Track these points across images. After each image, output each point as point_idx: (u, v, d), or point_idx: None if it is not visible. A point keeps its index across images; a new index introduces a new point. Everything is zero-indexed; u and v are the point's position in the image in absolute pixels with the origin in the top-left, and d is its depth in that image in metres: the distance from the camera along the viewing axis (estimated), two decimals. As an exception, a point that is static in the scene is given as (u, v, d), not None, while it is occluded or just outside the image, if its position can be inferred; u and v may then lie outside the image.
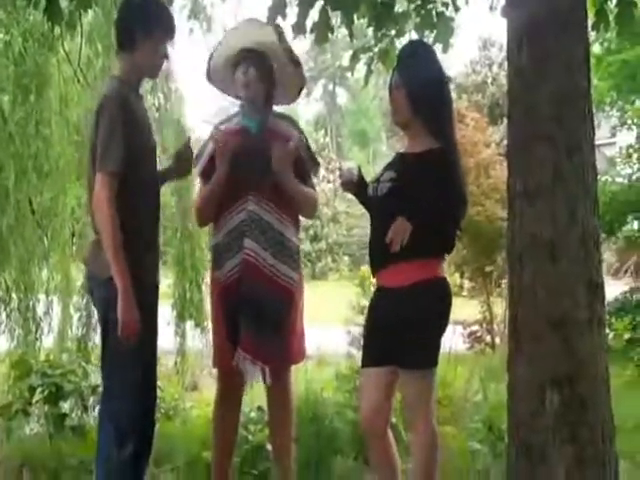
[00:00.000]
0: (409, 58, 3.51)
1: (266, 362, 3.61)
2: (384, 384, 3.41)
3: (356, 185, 3.64)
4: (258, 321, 3.58)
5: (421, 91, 3.38)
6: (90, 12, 4.53)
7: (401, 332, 3.28)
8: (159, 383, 6.52)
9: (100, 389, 4.69)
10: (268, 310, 3.59)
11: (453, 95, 3.68)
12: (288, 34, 3.90)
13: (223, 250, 3.70)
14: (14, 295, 7.27)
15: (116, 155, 3.21)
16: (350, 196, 3.85)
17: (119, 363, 3.32)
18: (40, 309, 7.43)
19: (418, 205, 3.28)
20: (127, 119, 3.27)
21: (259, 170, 3.65)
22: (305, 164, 3.81)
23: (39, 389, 5.10)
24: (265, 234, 3.63)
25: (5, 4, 6.59)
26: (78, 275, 7.69)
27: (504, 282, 10.22)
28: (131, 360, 3.28)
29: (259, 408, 4.70)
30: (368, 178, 3.68)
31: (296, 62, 3.80)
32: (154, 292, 3.49)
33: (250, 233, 3.62)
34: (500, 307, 10.87)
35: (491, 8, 4.58)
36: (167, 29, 3.47)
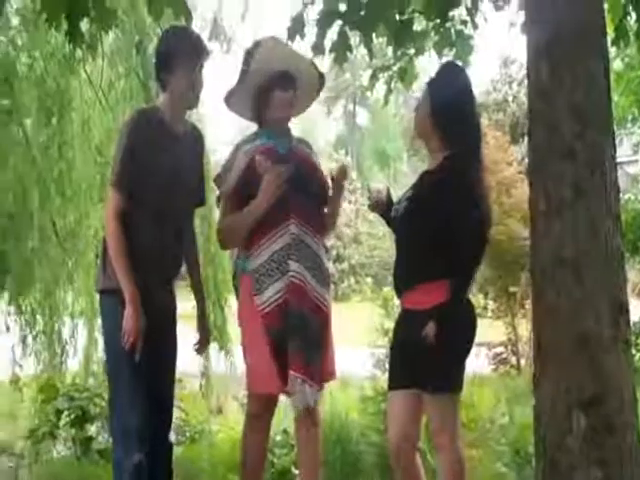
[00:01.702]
0: (438, 76, 3.55)
1: (318, 383, 3.60)
2: (411, 407, 3.39)
3: (385, 206, 3.65)
4: (307, 343, 3.56)
5: (441, 105, 3.39)
6: (111, 34, 4.56)
7: (424, 355, 3.26)
8: (183, 405, 6.55)
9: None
10: (313, 332, 3.59)
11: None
12: (307, 54, 3.93)
13: (264, 274, 3.62)
14: (39, 318, 7.31)
15: (120, 171, 3.32)
16: (372, 217, 3.88)
17: (116, 378, 3.39)
18: (66, 332, 7.46)
19: (436, 224, 3.27)
20: (139, 141, 3.34)
21: (300, 193, 3.64)
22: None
23: (65, 412, 5.12)
24: (307, 257, 3.63)
25: (27, 27, 6.69)
26: (102, 298, 7.71)
27: (528, 302, 10.13)
28: (129, 376, 3.31)
29: (285, 431, 4.68)
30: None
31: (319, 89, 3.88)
32: (165, 312, 3.53)
33: (295, 256, 3.60)
34: (525, 328, 10.77)
35: (511, 25, 4.57)
36: (196, 59, 3.50)
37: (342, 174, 3.81)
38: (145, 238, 3.35)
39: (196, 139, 3.70)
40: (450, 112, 3.38)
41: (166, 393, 3.55)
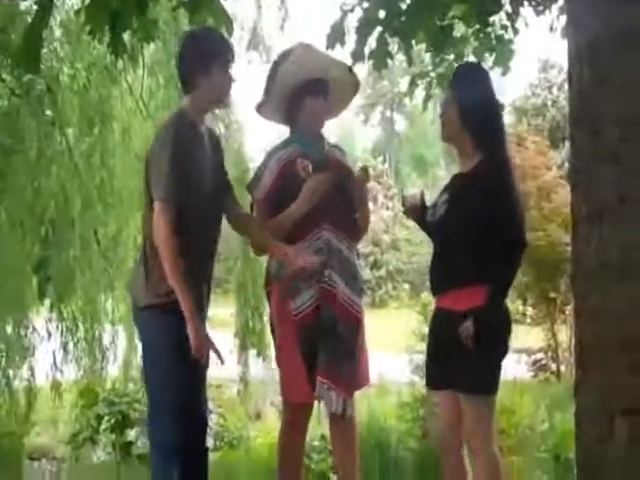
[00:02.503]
0: (462, 77, 3.54)
1: (345, 390, 3.58)
2: (452, 405, 3.37)
3: (420, 210, 3.64)
4: (336, 349, 3.55)
5: (471, 107, 3.38)
6: (151, 44, 4.60)
7: (458, 356, 3.25)
8: (222, 411, 6.58)
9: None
10: (343, 339, 3.58)
11: (513, 118, 3.69)
12: (346, 61, 3.93)
13: (297, 280, 3.61)
14: (80, 325, 7.41)
15: (168, 184, 3.26)
16: (410, 223, 3.84)
17: (154, 390, 3.39)
18: (106, 339, 7.56)
19: (473, 227, 3.26)
20: (180, 149, 3.30)
21: (333, 199, 3.64)
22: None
23: (106, 418, 5.18)
24: (340, 263, 3.63)
25: (70, 39, 6.80)
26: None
27: (569, 308, 10.04)
28: (165, 384, 3.31)
29: (322, 437, 4.69)
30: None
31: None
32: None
33: (328, 262, 3.58)
34: (565, 334, 10.67)
35: (551, 29, 4.53)
36: (225, 58, 3.47)
37: (363, 176, 3.80)
38: (191, 248, 3.30)
39: (212, 135, 3.63)
40: (480, 114, 3.38)
41: (201, 401, 3.55)
